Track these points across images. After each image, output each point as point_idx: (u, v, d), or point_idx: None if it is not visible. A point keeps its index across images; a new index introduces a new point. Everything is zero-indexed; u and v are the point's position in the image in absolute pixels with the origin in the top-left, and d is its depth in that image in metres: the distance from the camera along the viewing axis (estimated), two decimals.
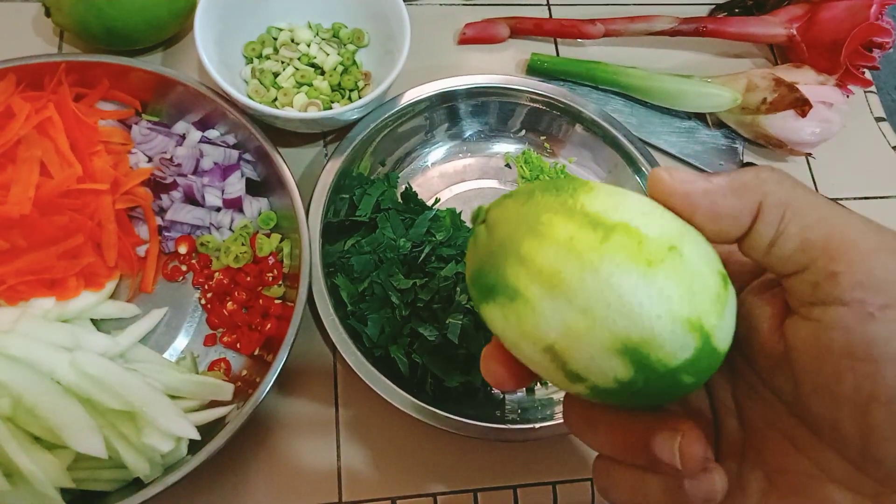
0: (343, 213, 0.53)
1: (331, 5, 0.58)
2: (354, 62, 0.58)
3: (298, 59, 0.57)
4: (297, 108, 0.55)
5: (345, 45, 0.58)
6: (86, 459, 0.39)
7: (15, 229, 0.44)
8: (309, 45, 0.57)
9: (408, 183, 0.57)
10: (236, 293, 0.50)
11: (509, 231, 0.23)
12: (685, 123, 0.64)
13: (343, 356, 0.46)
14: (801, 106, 0.58)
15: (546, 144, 0.61)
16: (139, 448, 0.40)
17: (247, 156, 0.53)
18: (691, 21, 0.64)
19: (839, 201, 0.62)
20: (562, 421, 0.46)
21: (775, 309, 0.23)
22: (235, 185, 0.52)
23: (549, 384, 0.52)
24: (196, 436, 0.41)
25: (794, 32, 0.63)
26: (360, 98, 0.56)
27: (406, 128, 0.56)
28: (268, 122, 0.52)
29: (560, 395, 0.51)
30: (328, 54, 0.57)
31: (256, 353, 0.49)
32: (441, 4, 0.66)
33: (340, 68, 0.57)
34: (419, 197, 0.55)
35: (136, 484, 0.41)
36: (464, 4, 0.67)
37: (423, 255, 0.50)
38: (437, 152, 0.60)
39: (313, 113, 0.52)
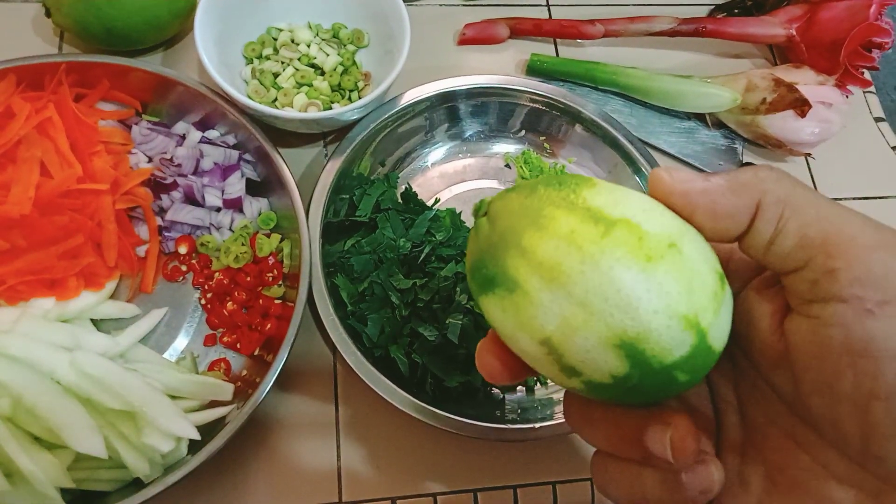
0: (343, 213, 0.53)
1: (331, 6, 0.58)
2: (354, 62, 0.58)
3: (298, 59, 0.57)
4: (297, 109, 0.55)
5: (345, 45, 0.58)
6: (86, 459, 0.39)
7: (15, 229, 0.44)
8: (309, 46, 0.57)
9: (408, 183, 0.57)
10: (236, 293, 0.50)
11: (511, 223, 0.23)
12: (685, 124, 0.64)
13: (343, 356, 0.46)
14: (801, 106, 0.58)
15: (546, 145, 0.61)
16: (139, 448, 0.40)
17: (247, 156, 0.53)
18: (691, 21, 0.64)
19: (838, 201, 0.62)
20: (562, 421, 0.46)
21: (775, 307, 0.23)
22: (235, 186, 0.52)
23: (549, 384, 0.52)
24: (196, 436, 0.41)
25: (794, 33, 0.63)
26: (359, 98, 0.56)
27: (406, 128, 0.57)
28: (268, 122, 0.52)
29: (560, 396, 0.51)
30: (328, 55, 0.57)
31: (256, 353, 0.49)
32: (441, 5, 0.67)
33: (340, 69, 0.57)
34: (419, 197, 0.55)
35: (136, 484, 0.41)
36: (463, 5, 0.67)
37: (423, 256, 0.50)
38: (436, 152, 0.60)
39: (313, 113, 0.52)
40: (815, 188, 0.64)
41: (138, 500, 0.39)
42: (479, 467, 0.49)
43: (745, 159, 0.64)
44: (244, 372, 0.49)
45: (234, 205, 0.52)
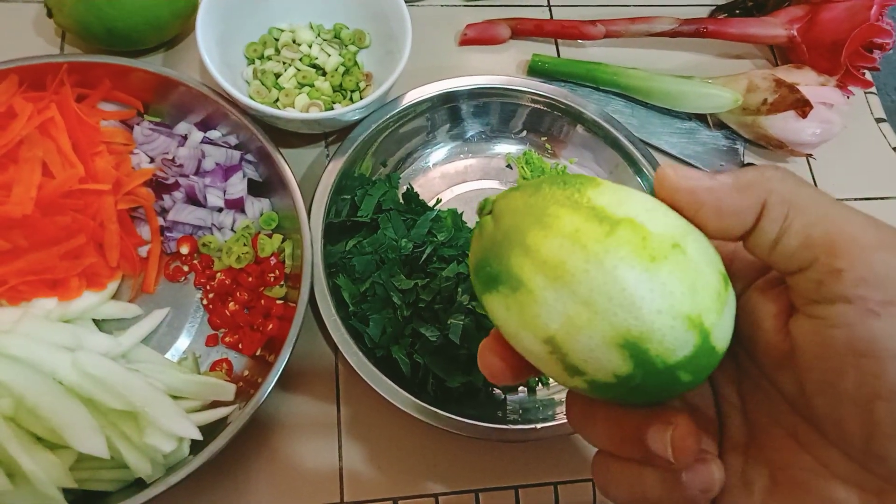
0: (344, 213, 0.53)
1: (332, 6, 0.58)
2: (356, 63, 0.58)
3: (300, 59, 0.57)
4: (299, 109, 0.55)
5: (346, 45, 0.58)
6: (88, 459, 0.39)
7: (17, 229, 0.44)
8: (310, 46, 0.58)
9: (409, 183, 0.57)
10: (238, 293, 0.50)
11: (515, 222, 0.23)
12: (686, 124, 0.64)
13: (345, 356, 0.46)
14: (802, 107, 0.58)
15: (547, 145, 0.61)
16: (141, 448, 0.40)
17: (248, 156, 0.53)
18: (692, 22, 0.64)
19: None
20: (563, 422, 0.46)
21: (780, 307, 0.23)
22: (237, 186, 0.52)
23: (550, 384, 0.52)
24: (198, 436, 0.41)
25: (795, 33, 0.63)
26: (361, 99, 0.56)
27: (407, 128, 0.57)
28: (269, 122, 0.52)
29: (561, 396, 0.51)
30: (329, 55, 0.58)
31: (258, 353, 0.49)
32: (442, 5, 0.67)
33: (342, 69, 0.57)
34: (420, 197, 0.55)
35: (138, 484, 0.41)
36: (465, 5, 0.67)
37: (424, 256, 0.50)
38: (438, 153, 0.60)
39: (315, 114, 0.52)
40: None
41: (140, 500, 0.39)
42: (481, 468, 0.49)
43: (747, 160, 0.64)
44: (246, 372, 0.49)
45: (236, 205, 0.52)
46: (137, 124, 0.52)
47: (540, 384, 0.52)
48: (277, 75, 0.56)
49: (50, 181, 0.45)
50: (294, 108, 0.55)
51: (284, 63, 0.57)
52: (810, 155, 0.65)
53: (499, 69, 0.64)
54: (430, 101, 0.55)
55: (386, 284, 0.49)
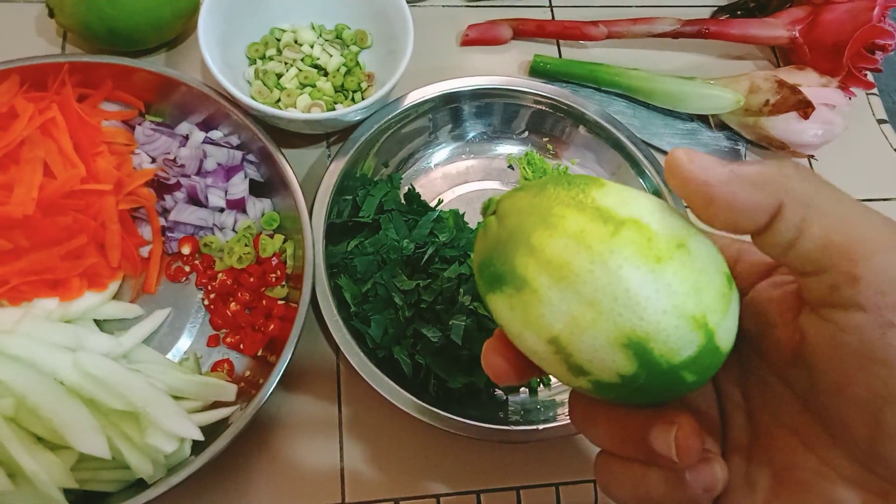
0: (346, 214, 0.53)
1: (334, 6, 0.58)
2: (358, 63, 0.58)
3: (302, 60, 0.57)
4: (301, 110, 0.55)
5: (348, 46, 0.58)
6: (89, 460, 0.39)
7: (18, 230, 0.44)
8: (312, 47, 0.57)
9: (411, 184, 0.57)
10: (239, 294, 0.50)
11: (520, 221, 0.23)
12: (687, 125, 0.64)
13: (346, 357, 0.46)
14: (804, 108, 0.58)
15: (549, 146, 0.61)
16: (142, 449, 0.40)
17: (250, 157, 0.53)
18: (694, 23, 0.64)
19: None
20: (565, 423, 0.46)
21: (791, 303, 0.23)
22: (239, 186, 0.52)
23: (552, 385, 0.52)
24: (199, 436, 0.41)
25: (797, 34, 0.63)
26: (363, 99, 0.56)
27: (409, 129, 0.56)
28: (271, 122, 0.52)
29: (563, 398, 0.51)
30: (331, 55, 0.57)
31: (260, 353, 0.49)
32: (444, 6, 0.67)
33: (344, 69, 0.57)
34: (422, 198, 0.55)
35: (140, 484, 0.41)
36: (466, 6, 0.67)
37: (426, 257, 0.50)
38: (440, 153, 0.60)
39: (317, 114, 0.52)
40: None
41: (141, 500, 0.39)
42: (483, 469, 0.49)
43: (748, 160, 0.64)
44: (247, 373, 0.49)
45: (238, 205, 0.52)
46: (139, 124, 0.52)
47: (542, 385, 0.52)
48: (279, 75, 0.56)
49: (51, 181, 0.45)
50: (296, 108, 0.55)
51: (286, 63, 0.57)
52: (812, 156, 0.65)
53: (500, 70, 0.64)
54: (432, 102, 0.55)
55: (388, 285, 0.49)
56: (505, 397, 0.51)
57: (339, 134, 0.58)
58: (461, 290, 0.48)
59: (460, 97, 0.57)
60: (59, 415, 0.38)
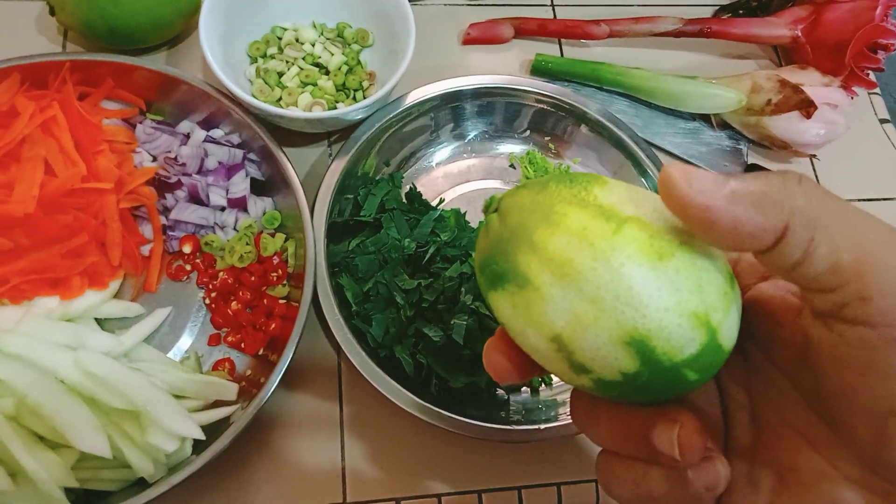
0: (347, 212, 0.52)
1: (335, 5, 0.58)
2: (359, 62, 0.58)
3: (303, 58, 0.57)
4: (302, 108, 0.55)
5: (349, 44, 0.58)
6: (90, 459, 0.39)
7: (19, 228, 0.44)
8: (313, 45, 0.57)
9: (412, 183, 0.57)
10: (240, 293, 0.50)
11: (522, 219, 0.23)
12: (689, 124, 0.64)
13: (348, 356, 0.45)
14: (806, 107, 0.58)
15: (551, 145, 0.61)
16: (143, 448, 0.40)
17: (251, 155, 0.53)
18: (696, 22, 0.64)
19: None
20: (566, 422, 0.46)
21: (793, 303, 0.23)
22: (240, 185, 0.52)
23: (553, 384, 0.52)
24: (201, 436, 0.41)
25: (799, 34, 0.63)
26: (364, 98, 0.56)
27: (411, 128, 0.56)
28: (272, 121, 0.52)
29: (564, 397, 0.51)
30: (333, 54, 0.57)
31: (261, 353, 0.49)
32: (445, 4, 0.66)
33: (345, 68, 0.57)
34: (424, 197, 0.55)
35: (141, 484, 0.41)
36: (468, 4, 0.67)
37: (427, 256, 0.50)
38: (441, 152, 0.59)
39: (318, 113, 0.52)
40: None
41: (142, 500, 0.39)
42: (484, 468, 0.49)
43: (750, 160, 0.64)
44: (248, 372, 0.49)
45: (239, 204, 0.52)
46: (140, 123, 0.52)
47: (543, 384, 0.52)
48: (280, 74, 0.56)
49: (52, 180, 0.45)
50: (297, 107, 0.55)
51: (287, 62, 0.57)
52: (814, 156, 0.65)
53: (502, 69, 0.64)
54: (433, 101, 0.55)
55: (389, 284, 0.49)
56: (506, 397, 0.51)
57: (340, 133, 0.58)
58: (463, 289, 0.48)
59: (462, 96, 0.57)
60: (60, 414, 0.38)
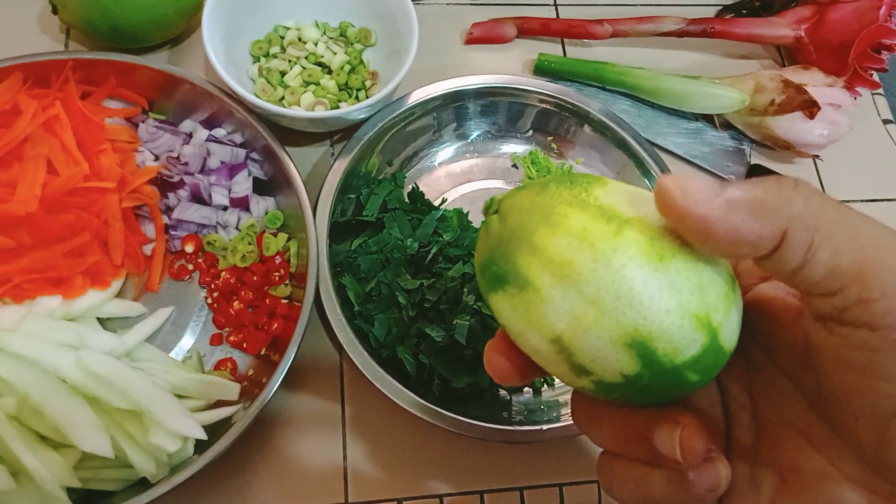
0: (350, 212, 0.52)
1: (338, 4, 0.58)
2: (361, 61, 0.58)
3: (305, 57, 0.57)
4: (305, 108, 0.55)
5: (352, 44, 0.58)
6: (92, 459, 0.39)
7: (21, 227, 0.44)
8: (316, 44, 0.57)
9: (415, 183, 0.57)
10: (243, 292, 0.50)
11: (522, 220, 0.23)
12: (692, 125, 0.64)
13: (350, 356, 0.45)
14: (810, 108, 0.58)
15: (553, 145, 0.61)
16: (145, 447, 0.40)
17: (254, 155, 0.53)
18: (699, 22, 0.64)
19: (846, 204, 0.62)
20: (568, 423, 0.46)
21: (793, 304, 0.23)
22: (242, 184, 0.52)
23: (555, 385, 0.52)
24: (203, 436, 0.41)
25: (802, 34, 0.63)
26: (367, 97, 0.56)
27: (413, 127, 0.56)
28: (275, 120, 0.51)
29: (566, 398, 0.51)
30: (335, 53, 0.57)
31: (263, 352, 0.49)
32: (448, 4, 0.66)
33: (348, 67, 0.57)
34: (426, 197, 0.55)
35: (143, 483, 0.41)
36: (471, 4, 0.67)
37: (430, 256, 0.50)
38: (444, 152, 0.59)
39: (320, 112, 0.52)
40: (823, 191, 0.64)
41: (144, 499, 0.39)
42: (486, 469, 0.49)
43: (753, 161, 0.64)
44: (250, 371, 0.49)
45: (241, 203, 0.52)
46: (142, 122, 0.52)
47: (545, 385, 0.52)
48: (283, 73, 0.56)
49: (54, 179, 0.45)
50: (299, 106, 0.55)
51: (290, 61, 0.56)
52: (817, 156, 0.65)
53: (505, 68, 0.64)
54: (436, 100, 0.55)
55: (391, 284, 0.49)
56: (508, 397, 0.51)
57: (342, 132, 0.58)
58: (465, 289, 0.48)
59: (464, 96, 0.57)
60: (62, 413, 0.38)
